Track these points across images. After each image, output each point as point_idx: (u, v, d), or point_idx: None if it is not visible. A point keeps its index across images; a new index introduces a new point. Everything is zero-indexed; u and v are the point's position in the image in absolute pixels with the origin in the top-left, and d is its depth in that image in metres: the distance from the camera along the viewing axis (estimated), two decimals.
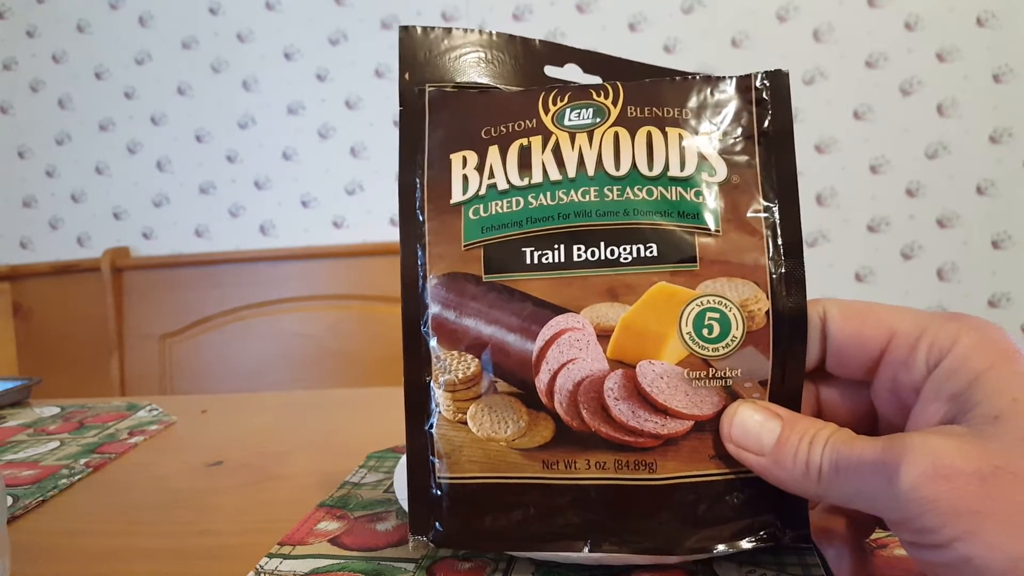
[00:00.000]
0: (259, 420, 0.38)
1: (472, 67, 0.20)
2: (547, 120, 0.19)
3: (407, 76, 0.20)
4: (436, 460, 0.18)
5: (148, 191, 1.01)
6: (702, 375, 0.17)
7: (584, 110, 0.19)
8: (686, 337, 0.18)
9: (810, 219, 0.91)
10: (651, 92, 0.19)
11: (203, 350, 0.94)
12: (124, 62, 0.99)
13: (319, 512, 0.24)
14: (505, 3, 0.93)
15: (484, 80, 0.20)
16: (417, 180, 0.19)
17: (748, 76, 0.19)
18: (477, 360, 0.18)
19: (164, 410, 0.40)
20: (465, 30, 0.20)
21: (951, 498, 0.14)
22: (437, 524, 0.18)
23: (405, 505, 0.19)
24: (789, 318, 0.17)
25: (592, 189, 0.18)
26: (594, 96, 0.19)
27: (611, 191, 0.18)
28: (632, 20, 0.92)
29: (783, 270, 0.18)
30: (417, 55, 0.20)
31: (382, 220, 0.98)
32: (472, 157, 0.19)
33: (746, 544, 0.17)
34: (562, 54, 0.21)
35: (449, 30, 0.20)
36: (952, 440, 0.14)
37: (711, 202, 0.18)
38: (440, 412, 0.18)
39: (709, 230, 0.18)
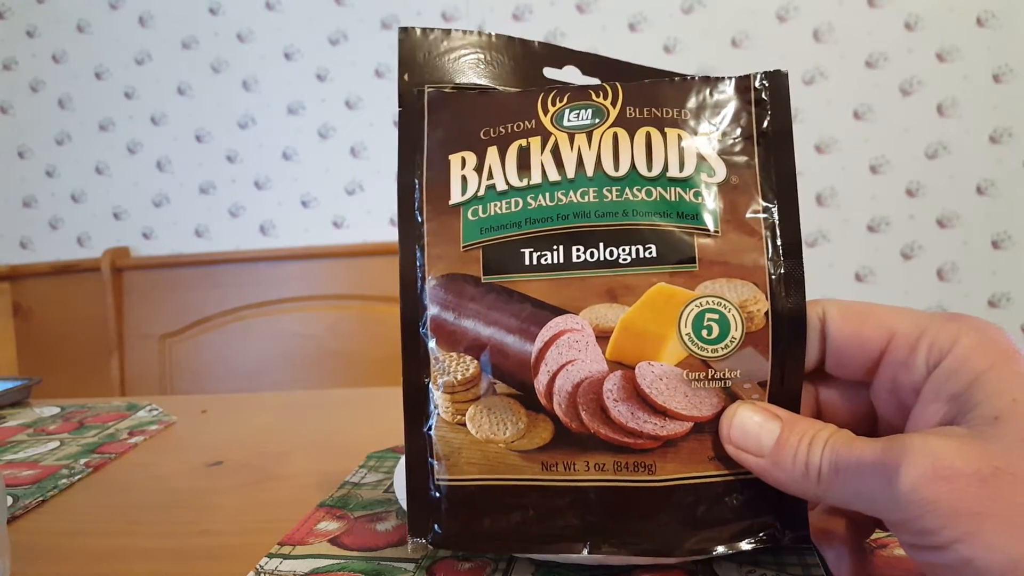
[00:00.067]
0: (259, 420, 0.38)
1: (471, 68, 0.20)
2: (546, 121, 0.19)
3: (406, 77, 0.20)
4: (435, 462, 0.18)
5: (148, 191, 1.01)
6: (701, 376, 0.17)
7: (583, 111, 0.19)
8: (685, 338, 0.17)
9: (810, 219, 0.91)
10: (650, 93, 0.19)
11: (203, 350, 0.94)
12: (124, 62, 0.99)
13: (319, 512, 0.24)
14: (505, 3, 0.93)
15: (483, 81, 0.20)
16: (416, 181, 0.19)
17: (747, 76, 0.19)
18: (476, 361, 0.18)
19: (164, 410, 0.40)
20: (464, 31, 0.20)
21: (951, 499, 0.14)
22: (436, 526, 0.18)
23: (405, 505, 0.19)
24: (788, 319, 0.17)
25: (591, 190, 0.18)
26: (593, 97, 0.19)
27: (610, 192, 0.18)
28: (632, 20, 0.92)
29: (782, 271, 0.18)
30: (416, 56, 0.20)
31: (382, 220, 0.98)
32: (471, 158, 0.19)
33: (745, 545, 0.17)
34: (561, 56, 0.21)
35: (448, 31, 0.20)
36: (952, 441, 0.14)
37: (710, 203, 0.18)
38: (439, 414, 0.18)
39: (708, 231, 0.18)
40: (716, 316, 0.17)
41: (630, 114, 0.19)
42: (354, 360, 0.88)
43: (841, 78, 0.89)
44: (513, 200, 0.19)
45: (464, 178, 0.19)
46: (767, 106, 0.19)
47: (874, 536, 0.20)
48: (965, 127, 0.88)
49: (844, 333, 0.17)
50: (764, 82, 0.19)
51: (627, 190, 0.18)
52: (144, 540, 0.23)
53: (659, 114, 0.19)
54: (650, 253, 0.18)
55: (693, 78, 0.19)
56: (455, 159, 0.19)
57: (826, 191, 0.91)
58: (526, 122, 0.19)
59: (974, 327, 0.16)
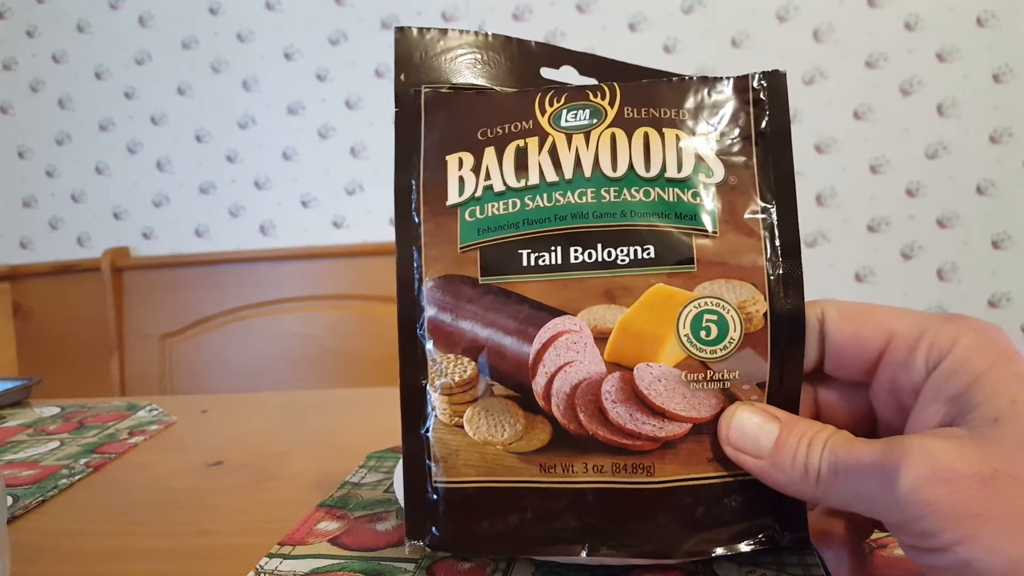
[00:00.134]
0: (259, 420, 0.38)
1: (468, 68, 0.20)
2: (543, 121, 0.19)
3: (403, 77, 0.20)
4: (432, 464, 0.18)
5: (148, 191, 1.01)
6: (700, 377, 0.17)
7: (581, 111, 0.19)
8: (684, 339, 0.17)
9: (810, 219, 0.91)
10: (648, 93, 0.19)
11: (203, 350, 0.94)
12: (124, 62, 0.99)
13: (319, 512, 0.24)
14: (505, 3, 0.93)
15: (480, 81, 0.20)
16: (413, 182, 0.19)
17: (745, 77, 0.19)
18: (473, 363, 0.18)
19: (164, 410, 0.40)
20: (461, 31, 0.20)
21: (951, 501, 0.14)
22: (433, 528, 0.18)
23: None
24: (787, 320, 0.17)
25: (589, 190, 0.18)
26: (591, 97, 0.19)
27: (608, 192, 0.18)
28: (632, 20, 0.92)
29: (781, 271, 0.18)
30: (413, 56, 0.20)
31: (382, 220, 0.98)
32: (468, 158, 0.19)
33: (744, 547, 0.17)
34: (558, 56, 0.21)
35: (445, 31, 0.20)
36: (952, 443, 0.14)
37: (708, 203, 0.18)
38: (436, 416, 0.18)
39: (706, 231, 0.18)
40: (714, 317, 0.17)
41: (628, 114, 0.19)
42: (354, 360, 0.88)
43: (841, 78, 0.89)
44: (511, 201, 0.18)
45: (461, 179, 0.19)
46: (765, 106, 0.19)
47: (874, 536, 0.20)
48: (965, 127, 0.88)
49: (843, 334, 0.17)
50: (762, 82, 0.19)
51: (625, 191, 0.18)
52: (144, 540, 0.23)
53: (657, 114, 0.19)
54: (648, 254, 0.18)
55: (691, 78, 0.19)
56: (452, 160, 0.19)
57: (826, 191, 0.91)
58: (523, 122, 0.19)
59: (973, 327, 0.16)
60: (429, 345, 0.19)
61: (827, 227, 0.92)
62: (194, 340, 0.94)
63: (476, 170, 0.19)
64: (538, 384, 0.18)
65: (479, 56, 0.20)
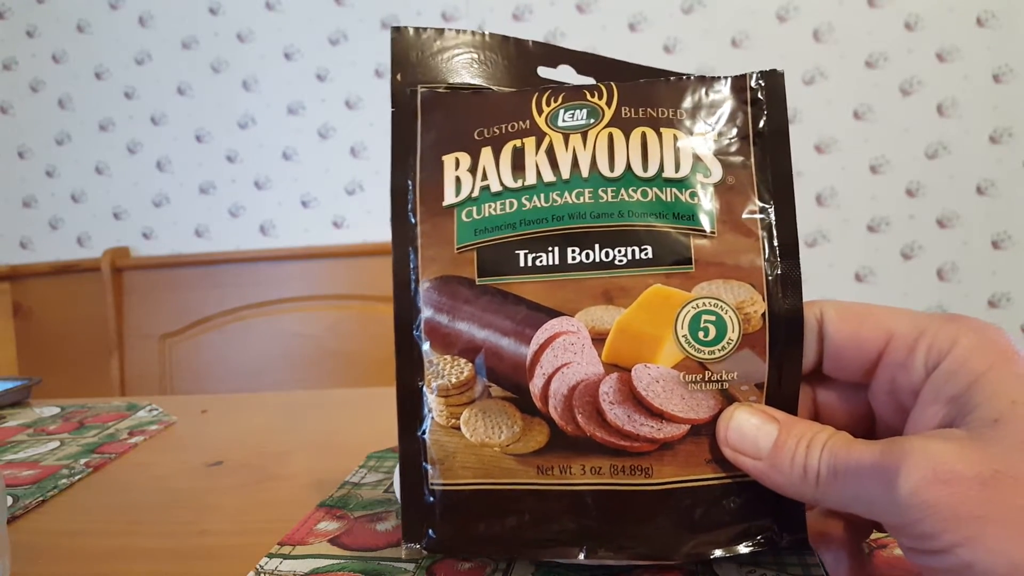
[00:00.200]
0: (259, 420, 0.38)
1: (465, 68, 0.20)
2: (540, 121, 0.19)
3: (399, 77, 0.20)
4: (429, 466, 0.18)
5: (148, 191, 1.01)
6: (698, 378, 0.17)
7: (578, 111, 0.19)
8: (682, 340, 0.17)
9: (810, 219, 0.91)
10: (645, 93, 0.19)
11: (203, 350, 0.94)
12: (124, 62, 0.99)
13: (319, 512, 0.24)
14: (505, 3, 0.93)
15: (477, 81, 0.20)
16: (409, 182, 0.19)
17: (743, 76, 0.19)
18: (470, 364, 0.18)
19: (164, 410, 0.40)
20: (457, 31, 0.20)
21: (952, 503, 0.13)
22: (430, 531, 0.18)
23: None
24: (785, 320, 0.17)
25: (586, 191, 0.18)
26: (588, 97, 0.19)
27: (605, 193, 0.18)
28: (632, 20, 0.92)
29: (779, 271, 0.18)
30: (409, 56, 0.20)
31: (382, 220, 0.98)
32: (465, 159, 0.19)
33: (743, 549, 0.17)
34: (555, 55, 0.20)
35: (441, 31, 0.20)
36: (952, 444, 0.14)
37: (706, 203, 0.18)
38: (433, 418, 0.18)
39: (704, 232, 0.18)
40: (713, 318, 0.17)
41: (625, 114, 0.19)
42: (354, 360, 0.88)
43: (841, 78, 0.89)
44: (508, 201, 0.18)
45: (458, 179, 0.19)
46: (763, 106, 0.19)
47: (873, 536, 0.20)
48: (965, 127, 0.88)
49: (842, 334, 0.17)
50: (760, 82, 0.19)
51: (623, 191, 0.18)
52: (144, 540, 0.23)
53: (654, 114, 0.19)
54: (646, 254, 0.18)
55: (689, 77, 0.19)
56: (449, 160, 0.19)
57: (826, 191, 0.91)
58: (520, 122, 0.19)
59: (973, 328, 0.16)
60: (426, 346, 0.18)
61: (827, 227, 0.92)
62: (194, 340, 0.94)
63: (473, 170, 0.19)
64: (535, 385, 0.18)
65: (476, 56, 0.20)
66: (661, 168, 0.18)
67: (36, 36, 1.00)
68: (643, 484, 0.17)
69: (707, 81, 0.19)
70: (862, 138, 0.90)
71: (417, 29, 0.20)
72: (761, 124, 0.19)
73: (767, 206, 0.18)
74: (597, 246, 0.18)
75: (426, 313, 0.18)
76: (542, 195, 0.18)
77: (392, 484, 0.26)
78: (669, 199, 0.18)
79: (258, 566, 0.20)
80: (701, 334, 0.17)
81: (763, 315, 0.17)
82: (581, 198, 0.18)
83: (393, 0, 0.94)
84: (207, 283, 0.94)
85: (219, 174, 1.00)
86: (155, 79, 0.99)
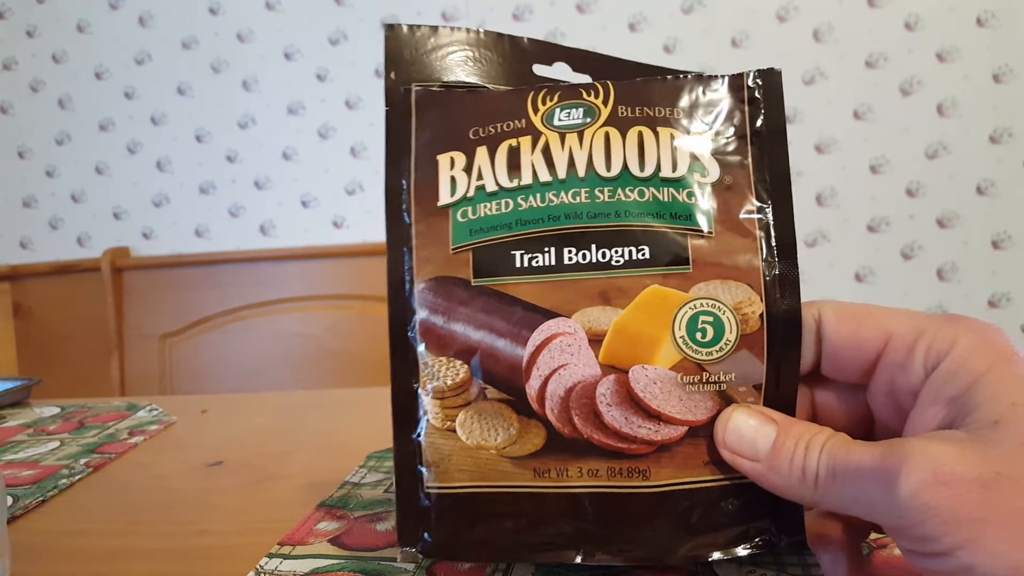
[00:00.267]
0: (259, 420, 0.38)
1: (459, 66, 0.20)
2: (536, 120, 0.19)
3: (393, 75, 0.19)
4: (424, 469, 0.18)
5: (148, 191, 1.01)
6: (696, 380, 0.17)
7: (574, 110, 0.19)
8: (679, 341, 0.17)
9: (810, 219, 0.91)
10: (642, 91, 0.19)
11: (203, 350, 0.94)
12: (124, 62, 0.99)
13: (319, 512, 0.24)
14: (505, 3, 0.93)
15: (472, 79, 0.20)
16: (404, 181, 0.19)
17: (740, 75, 0.19)
18: (466, 366, 0.18)
19: (164, 410, 0.40)
20: (452, 28, 0.20)
21: (952, 505, 0.13)
22: (426, 535, 0.18)
23: None
24: (783, 321, 0.17)
25: (583, 190, 0.18)
26: (584, 96, 0.19)
27: (602, 192, 0.18)
28: (632, 20, 0.92)
29: (777, 272, 0.17)
30: (403, 54, 0.20)
31: (382, 220, 0.97)
32: (460, 158, 0.19)
33: (741, 551, 0.17)
34: (551, 52, 0.20)
35: (435, 28, 0.20)
36: (952, 446, 0.14)
37: (703, 203, 0.18)
38: (428, 420, 0.18)
39: (702, 232, 0.18)
40: (710, 318, 0.17)
41: (622, 113, 0.19)
42: (354, 360, 0.88)
43: (841, 78, 0.89)
44: (503, 201, 0.18)
45: (453, 179, 0.19)
46: (760, 105, 0.18)
47: (873, 536, 0.20)
48: (965, 127, 0.88)
49: (840, 335, 0.17)
50: (757, 80, 0.19)
51: (619, 191, 0.18)
52: (144, 540, 0.23)
53: (651, 113, 0.18)
54: (643, 255, 0.17)
55: (686, 76, 0.19)
56: (444, 159, 0.19)
57: (826, 191, 0.91)
58: (516, 121, 0.19)
59: (972, 328, 0.16)
60: (421, 348, 0.18)
61: (827, 227, 0.92)
62: (194, 340, 0.94)
63: (468, 170, 0.19)
64: (532, 387, 0.18)
65: (471, 53, 0.20)
66: (658, 168, 0.18)
67: (36, 36, 1.00)
68: (640, 486, 0.17)
69: (704, 80, 0.19)
70: (862, 138, 0.90)
71: (411, 27, 0.20)
72: (759, 123, 0.18)
73: (765, 206, 0.18)
74: (594, 246, 0.18)
75: (421, 314, 0.18)
76: (538, 195, 0.18)
77: (392, 484, 0.26)
78: (666, 199, 0.18)
79: (258, 566, 0.20)
80: (699, 335, 0.17)
81: (761, 316, 0.17)
82: (577, 198, 0.18)
83: (393, 0, 0.94)
84: (207, 283, 0.94)
85: (219, 174, 1.00)
86: (155, 79, 0.99)
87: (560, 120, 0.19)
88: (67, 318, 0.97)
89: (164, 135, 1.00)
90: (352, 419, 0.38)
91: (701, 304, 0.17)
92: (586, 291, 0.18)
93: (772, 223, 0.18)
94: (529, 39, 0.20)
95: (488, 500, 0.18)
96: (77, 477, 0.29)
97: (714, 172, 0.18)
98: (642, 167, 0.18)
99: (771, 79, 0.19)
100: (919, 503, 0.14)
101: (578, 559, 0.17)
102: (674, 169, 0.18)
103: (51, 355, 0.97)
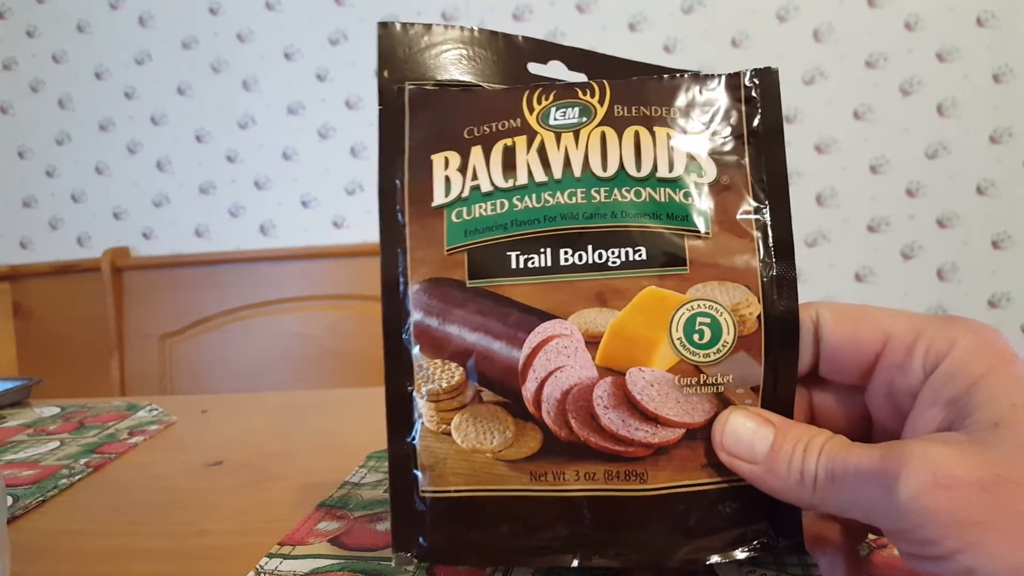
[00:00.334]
0: (259, 420, 0.38)
1: (453, 64, 0.19)
2: (532, 119, 0.19)
3: (386, 74, 0.19)
4: (419, 473, 0.18)
5: (148, 191, 1.01)
6: (693, 382, 0.17)
7: (570, 109, 0.18)
8: (676, 343, 0.17)
9: (810, 219, 0.91)
10: (638, 91, 0.19)
11: (203, 350, 0.94)
12: (124, 62, 0.99)
13: (319, 512, 0.24)
14: (505, 3, 0.93)
15: (466, 78, 0.20)
16: (397, 182, 0.19)
17: (737, 74, 0.19)
18: (461, 369, 0.18)
19: (164, 410, 0.40)
20: (446, 26, 0.20)
21: (952, 508, 0.13)
22: (421, 539, 0.18)
23: None
24: (781, 322, 0.17)
25: (579, 191, 0.18)
26: (580, 95, 0.19)
27: (598, 193, 0.18)
28: (632, 20, 0.92)
29: (774, 273, 0.17)
30: (396, 52, 0.19)
31: None
32: (454, 158, 0.19)
33: (740, 554, 0.17)
34: (546, 51, 0.20)
35: (429, 26, 0.19)
36: (952, 448, 0.14)
37: (700, 204, 0.18)
38: (423, 423, 0.18)
39: (699, 232, 0.17)
40: (708, 320, 0.17)
41: (618, 113, 0.18)
42: (354, 360, 0.88)
43: (841, 78, 0.89)
44: (498, 201, 0.18)
45: (447, 179, 0.18)
46: (757, 104, 0.18)
47: (873, 536, 0.20)
48: (965, 127, 0.88)
49: (838, 336, 0.17)
50: (754, 80, 0.18)
51: (615, 191, 0.18)
52: (144, 540, 0.23)
53: (648, 113, 0.18)
54: (640, 256, 0.17)
55: (682, 75, 0.19)
56: (438, 159, 0.19)
57: (826, 191, 0.91)
58: (511, 121, 0.19)
59: (971, 329, 0.16)
60: (415, 350, 0.18)
61: (827, 227, 0.92)
62: (194, 340, 0.94)
63: (463, 170, 0.18)
64: (528, 390, 0.17)
65: (465, 52, 0.20)
66: (655, 168, 0.18)
67: (36, 36, 1.00)
68: (638, 490, 0.17)
69: (701, 79, 0.19)
70: (862, 138, 0.90)
71: (404, 25, 0.19)
72: (755, 123, 0.18)
73: (762, 206, 0.18)
74: (590, 247, 0.17)
75: (416, 316, 0.18)
76: (534, 195, 0.18)
77: None
78: (663, 199, 0.18)
79: (258, 566, 0.20)
80: (696, 337, 0.17)
81: (758, 317, 0.17)
82: (573, 198, 0.18)
83: (393, 0, 0.94)
84: (207, 283, 0.94)
85: (219, 174, 1.00)
86: (155, 79, 0.99)
87: (556, 119, 0.19)
88: (67, 318, 0.97)
89: (164, 135, 1.00)
90: (352, 419, 0.38)
91: (698, 305, 0.17)
92: (582, 292, 0.17)
93: (769, 223, 0.18)
94: (524, 37, 0.20)
95: (484, 504, 0.18)
96: (77, 477, 0.29)
97: (711, 172, 0.18)
98: (638, 167, 0.18)
99: (768, 78, 0.18)
100: (919, 506, 0.13)
101: (575, 563, 0.17)
102: (671, 169, 0.18)
103: (51, 355, 0.98)
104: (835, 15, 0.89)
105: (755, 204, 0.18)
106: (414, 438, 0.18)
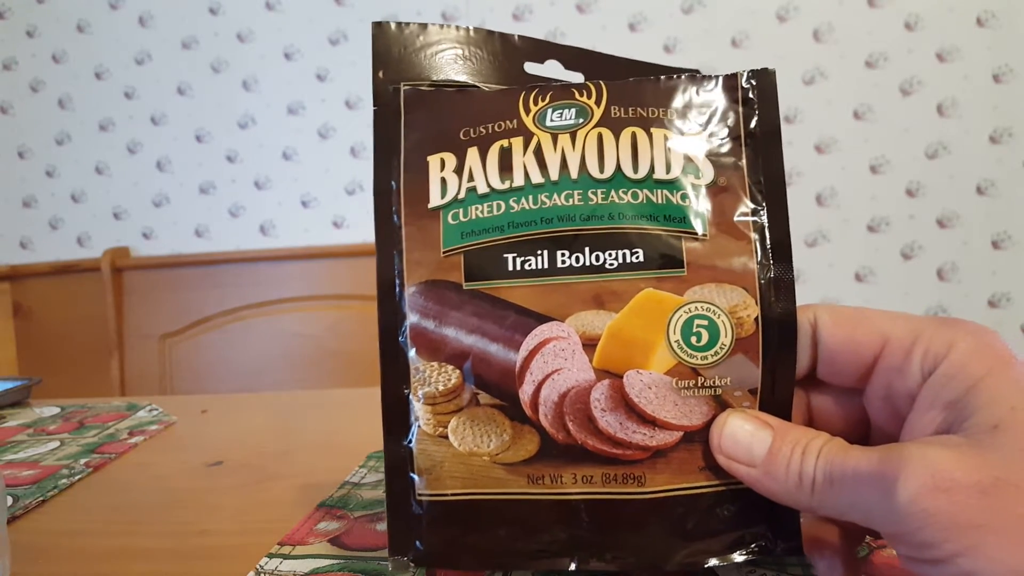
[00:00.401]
0: (259, 420, 0.38)
1: (449, 64, 0.19)
2: (528, 121, 0.18)
3: (381, 74, 0.19)
4: (416, 476, 0.18)
5: (148, 191, 1.01)
6: (691, 384, 0.17)
7: (566, 110, 0.18)
8: (674, 345, 0.17)
9: (810, 219, 0.91)
10: (635, 92, 0.19)
11: (203, 350, 0.94)
12: (124, 62, 0.99)
13: (319, 512, 0.24)
14: (505, 3, 0.93)
15: (462, 78, 0.19)
16: (393, 183, 0.19)
17: (734, 75, 0.19)
18: (458, 371, 0.18)
19: (164, 410, 0.40)
20: (441, 26, 0.19)
21: (952, 511, 0.13)
22: (418, 543, 0.18)
23: None
24: (779, 324, 0.17)
25: (576, 192, 0.18)
26: (576, 96, 0.19)
27: (595, 194, 0.18)
28: (632, 20, 0.92)
29: (772, 275, 0.17)
30: (392, 52, 0.19)
31: None
32: (450, 159, 0.18)
33: (737, 557, 0.17)
34: (543, 50, 0.20)
35: (425, 26, 0.19)
36: (951, 451, 0.14)
37: (698, 205, 0.18)
38: (420, 426, 0.18)
39: (696, 234, 0.17)
40: (705, 322, 0.17)
41: (615, 114, 0.18)
42: (354, 360, 0.88)
43: (841, 78, 0.89)
44: (495, 203, 0.18)
45: (443, 180, 0.18)
46: (755, 105, 0.18)
47: (871, 538, 0.20)
48: (965, 127, 0.88)
49: (836, 339, 0.17)
50: (751, 81, 0.18)
51: (613, 192, 0.18)
52: (144, 540, 0.23)
53: (645, 114, 0.18)
54: (637, 258, 0.17)
55: (679, 76, 0.19)
56: (434, 160, 0.18)
57: (826, 191, 0.91)
58: (507, 122, 0.18)
59: (970, 331, 0.16)
60: (412, 353, 0.18)
61: (827, 227, 0.92)
62: (194, 340, 0.94)
63: (459, 171, 0.18)
64: (525, 392, 0.17)
65: (461, 51, 0.19)
66: (652, 169, 0.18)
67: (36, 36, 1.00)
68: (636, 493, 0.17)
69: (698, 80, 0.19)
70: (862, 138, 0.90)
71: (399, 24, 0.19)
72: (753, 124, 0.18)
73: (759, 208, 0.18)
74: (587, 249, 0.17)
75: (412, 319, 0.18)
76: (530, 197, 0.18)
77: None
78: (660, 201, 0.18)
79: (258, 566, 0.20)
80: (694, 339, 0.17)
81: (756, 319, 0.17)
82: (570, 200, 0.18)
83: (393, 0, 0.94)
84: (207, 283, 0.94)
85: (219, 174, 1.00)
86: (155, 79, 0.99)
87: (552, 121, 0.18)
88: (67, 318, 0.97)
89: (164, 135, 1.00)
90: (352, 419, 0.38)
91: (696, 308, 0.17)
92: (580, 295, 0.17)
93: (767, 225, 0.18)
94: (520, 36, 0.20)
95: (481, 507, 0.18)
96: (77, 477, 0.29)
97: (708, 174, 0.18)
98: (636, 169, 0.18)
99: (765, 79, 0.18)
100: (918, 509, 0.13)
101: (573, 566, 0.17)
102: (668, 171, 0.18)
103: (51, 355, 0.98)
104: (835, 15, 0.88)
105: (752, 206, 0.18)
106: (410, 441, 0.18)
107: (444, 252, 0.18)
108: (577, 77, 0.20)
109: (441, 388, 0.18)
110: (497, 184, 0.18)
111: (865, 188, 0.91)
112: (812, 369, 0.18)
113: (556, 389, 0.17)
